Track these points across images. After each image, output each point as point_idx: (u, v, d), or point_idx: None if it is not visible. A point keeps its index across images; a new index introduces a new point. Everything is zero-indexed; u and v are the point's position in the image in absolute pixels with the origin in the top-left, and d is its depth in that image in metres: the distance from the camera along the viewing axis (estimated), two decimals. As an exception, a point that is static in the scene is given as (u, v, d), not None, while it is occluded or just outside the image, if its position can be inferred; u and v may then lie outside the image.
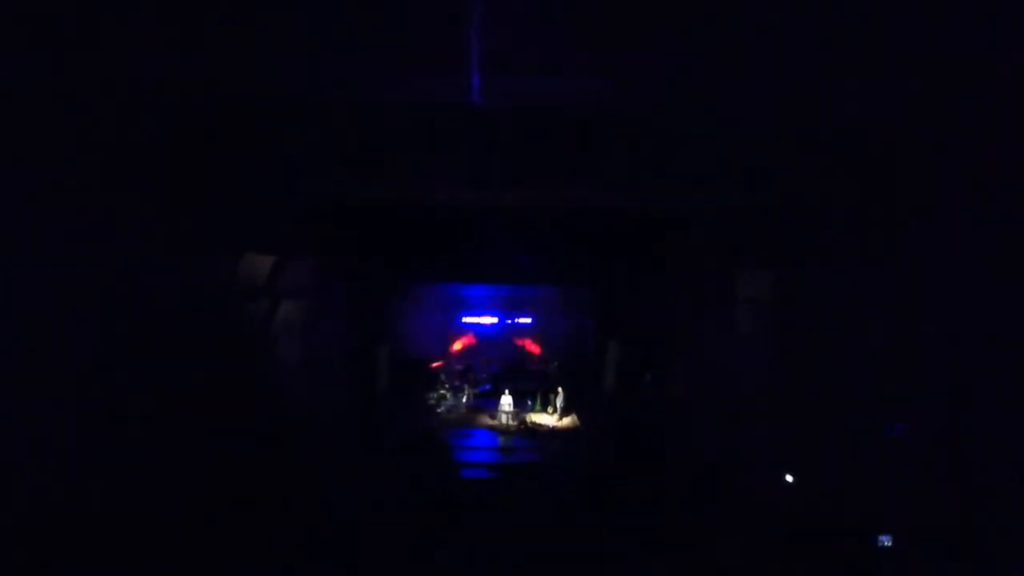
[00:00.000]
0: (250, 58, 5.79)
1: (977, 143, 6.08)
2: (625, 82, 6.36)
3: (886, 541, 5.60)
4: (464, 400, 15.49)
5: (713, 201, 9.42)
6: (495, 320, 17.87)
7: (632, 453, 11.49)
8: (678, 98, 6.68)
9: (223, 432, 8.05)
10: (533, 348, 17.88)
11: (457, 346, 17.64)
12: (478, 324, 17.84)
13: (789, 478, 8.90)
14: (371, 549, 7.43)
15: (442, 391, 15.52)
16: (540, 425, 14.05)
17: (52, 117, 5.36)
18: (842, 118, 6.80)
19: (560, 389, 14.91)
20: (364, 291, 13.95)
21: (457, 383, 16.09)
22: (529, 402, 14.96)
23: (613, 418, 14.01)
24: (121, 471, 6.26)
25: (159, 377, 6.89)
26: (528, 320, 17.89)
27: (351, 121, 7.09)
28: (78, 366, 5.86)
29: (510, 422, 13.90)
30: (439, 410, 14.99)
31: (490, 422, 14.19)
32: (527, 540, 7.77)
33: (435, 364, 17.06)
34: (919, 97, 6.05)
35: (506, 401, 14.15)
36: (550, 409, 14.82)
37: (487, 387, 16.22)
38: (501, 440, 13.01)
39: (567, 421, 14.51)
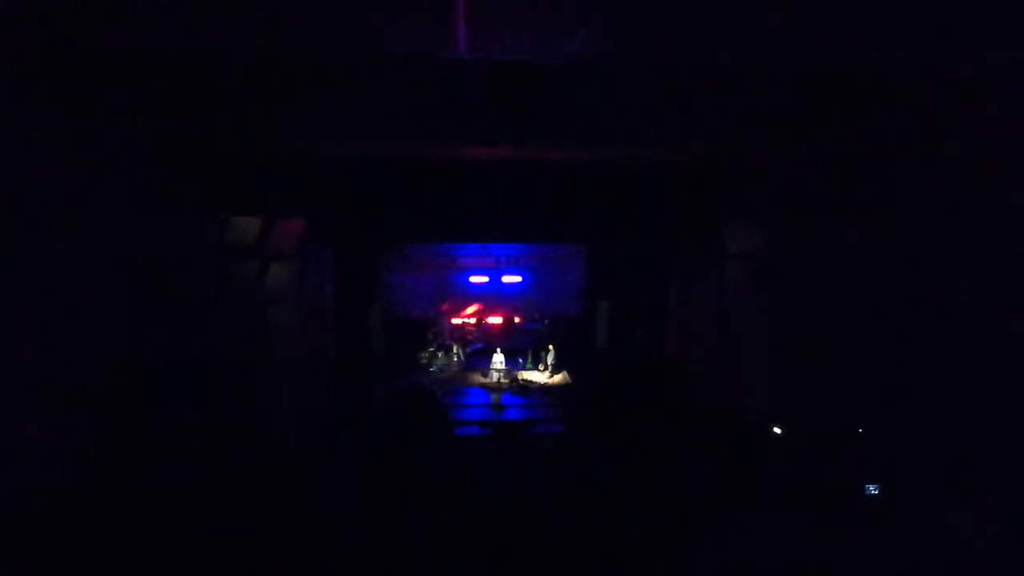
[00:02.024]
0: (239, 17, 5.55)
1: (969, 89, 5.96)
2: (610, 36, 6.17)
3: (873, 490, 5.71)
4: (456, 359, 15.52)
5: (700, 155, 9.27)
6: (486, 279, 17.67)
7: (622, 408, 11.61)
8: (663, 51, 6.48)
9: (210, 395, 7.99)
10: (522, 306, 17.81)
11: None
12: (470, 283, 17.65)
13: (777, 430, 9.05)
14: (363, 507, 7.48)
15: (432, 350, 15.50)
16: (531, 382, 14.16)
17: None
18: (828, 66, 6.63)
19: (551, 347, 14.97)
20: (353, 250, 13.78)
21: (448, 342, 16.09)
22: (520, 360, 15.03)
23: (603, 374, 14.12)
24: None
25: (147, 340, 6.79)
26: (519, 279, 17.76)
27: (338, 77, 6.85)
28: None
29: (502, 380, 13.99)
30: (431, 369, 15.02)
31: (482, 380, 14.27)
32: (521, 495, 7.87)
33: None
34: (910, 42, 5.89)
35: (498, 359, 14.22)
36: (541, 367, 14.91)
37: (479, 346, 16.25)
38: (493, 398, 13.10)
39: (558, 378, 14.63)
